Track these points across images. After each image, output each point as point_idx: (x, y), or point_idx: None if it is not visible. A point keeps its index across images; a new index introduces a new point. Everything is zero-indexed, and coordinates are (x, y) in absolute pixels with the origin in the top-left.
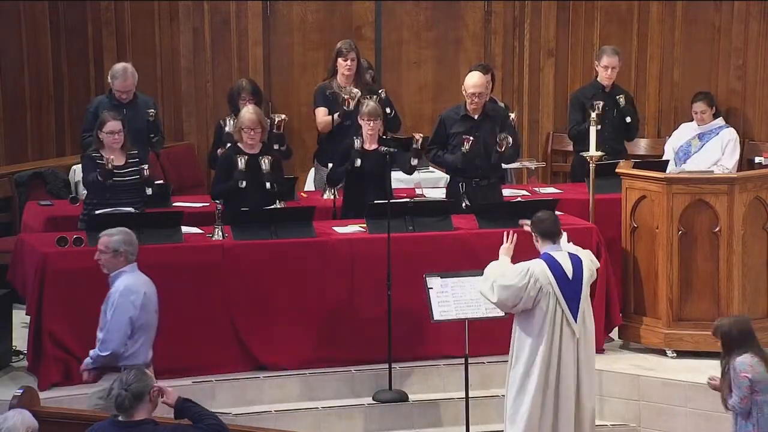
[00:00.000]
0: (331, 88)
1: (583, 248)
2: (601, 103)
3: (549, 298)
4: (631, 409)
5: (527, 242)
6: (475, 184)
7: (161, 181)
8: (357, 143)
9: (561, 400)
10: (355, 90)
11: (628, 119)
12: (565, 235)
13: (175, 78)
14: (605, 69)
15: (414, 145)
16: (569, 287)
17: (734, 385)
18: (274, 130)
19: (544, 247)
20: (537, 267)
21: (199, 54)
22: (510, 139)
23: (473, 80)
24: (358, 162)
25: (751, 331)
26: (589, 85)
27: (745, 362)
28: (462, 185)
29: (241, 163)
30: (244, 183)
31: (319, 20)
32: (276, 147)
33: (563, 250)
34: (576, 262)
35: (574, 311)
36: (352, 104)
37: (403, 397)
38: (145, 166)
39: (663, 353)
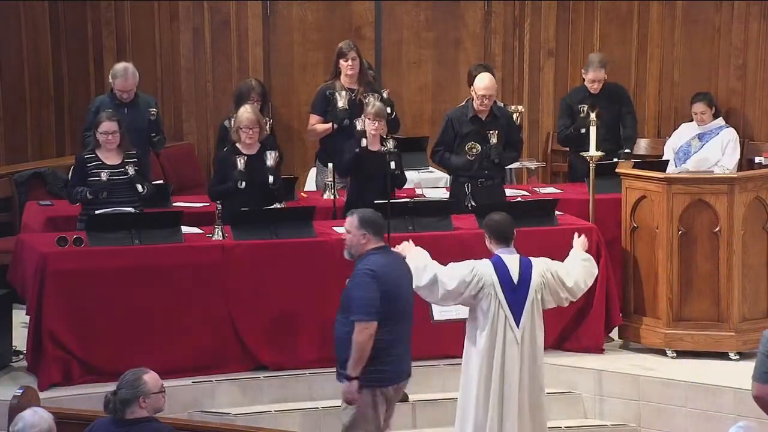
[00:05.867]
0: (333, 88)
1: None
2: (585, 106)
3: (491, 300)
4: (631, 409)
5: (525, 243)
6: (480, 184)
7: (161, 181)
8: (363, 142)
9: (505, 405)
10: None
11: (625, 127)
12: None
13: (175, 78)
14: (591, 82)
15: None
16: (514, 291)
17: None
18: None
19: (496, 248)
20: (483, 267)
21: (199, 54)
22: (478, 147)
23: (484, 82)
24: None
25: None
26: (577, 88)
27: None
28: (467, 186)
29: (240, 163)
30: (244, 183)
31: (319, 20)
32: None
33: (516, 253)
34: (525, 266)
35: (517, 316)
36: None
37: (403, 397)
38: (130, 168)
39: (663, 353)
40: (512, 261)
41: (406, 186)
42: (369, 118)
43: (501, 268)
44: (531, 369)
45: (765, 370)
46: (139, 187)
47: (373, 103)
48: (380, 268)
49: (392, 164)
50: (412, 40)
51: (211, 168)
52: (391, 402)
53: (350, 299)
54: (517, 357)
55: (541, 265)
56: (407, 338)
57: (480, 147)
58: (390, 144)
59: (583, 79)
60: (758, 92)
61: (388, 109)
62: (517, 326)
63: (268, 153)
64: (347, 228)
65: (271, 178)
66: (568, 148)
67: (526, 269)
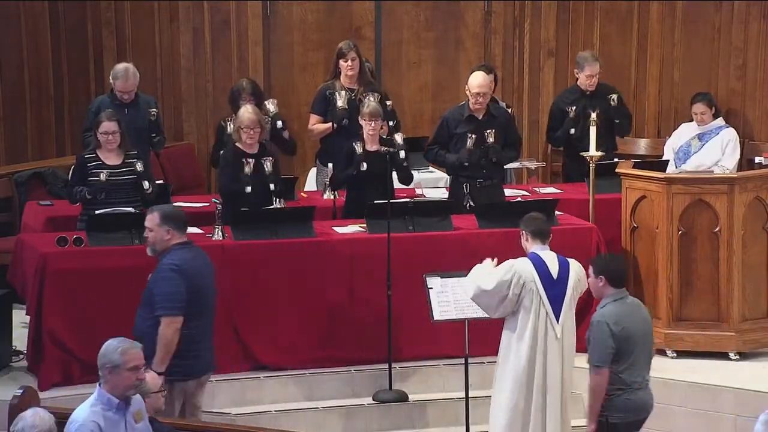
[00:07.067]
0: (333, 89)
1: (583, 248)
2: (574, 107)
3: (532, 296)
4: None
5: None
6: (479, 184)
7: (161, 181)
8: (358, 147)
9: (549, 399)
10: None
11: (617, 120)
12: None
13: (175, 78)
14: (589, 78)
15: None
16: (553, 288)
17: None
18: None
19: (533, 246)
20: (522, 264)
21: (199, 54)
22: (498, 147)
23: (477, 80)
24: (364, 166)
25: None
26: (568, 90)
27: None
28: (466, 186)
29: (249, 167)
30: (249, 188)
31: (319, 20)
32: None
33: (551, 251)
34: (563, 263)
35: (557, 312)
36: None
37: (403, 397)
38: (138, 164)
39: (663, 353)
40: (550, 257)
41: (406, 186)
42: (364, 119)
43: (540, 264)
44: (566, 367)
45: (607, 353)
46: (146, 184)
47: (367, 104)
48: (184, 262)
49: (401, 154)
50: (412, 40)
51: (211, 167)
52: (193, 395)
53: (154, 295)
54: (558, 354)
55: (576, 263)
56: (209, 333)
57: (475, 137)
58: (398, 138)
59: (576, 79)
60: (758, 92)
61: (391, 123)
62: (557, 322)
63: (263, 160)
64: (149, 225)
65: (272, 186)
66: (562, 149)
67: (563, 265)
